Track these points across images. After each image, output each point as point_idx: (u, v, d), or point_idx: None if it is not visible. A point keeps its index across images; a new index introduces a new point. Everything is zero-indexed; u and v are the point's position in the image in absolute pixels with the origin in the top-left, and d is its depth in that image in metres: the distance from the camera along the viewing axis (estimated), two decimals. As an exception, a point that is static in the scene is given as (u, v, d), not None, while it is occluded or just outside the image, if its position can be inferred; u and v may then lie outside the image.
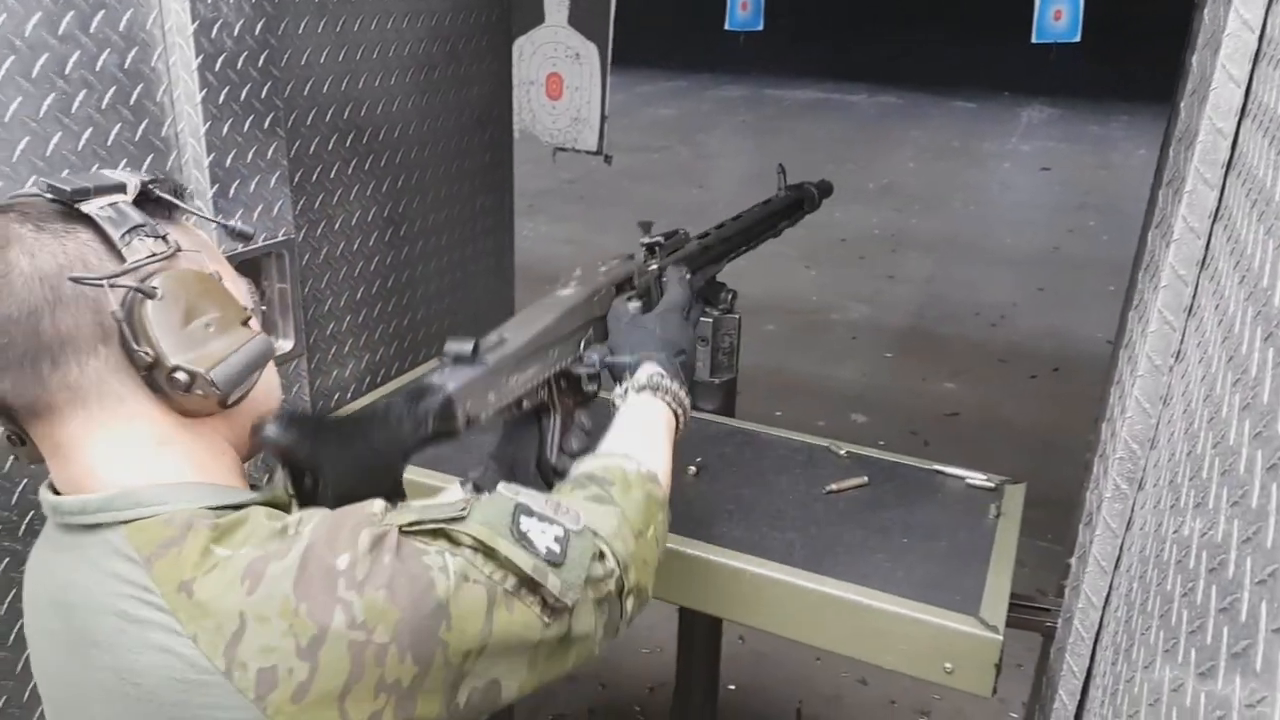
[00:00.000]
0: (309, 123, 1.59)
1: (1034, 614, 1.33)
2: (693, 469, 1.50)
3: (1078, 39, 2.90)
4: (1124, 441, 1.08)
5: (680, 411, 1.12)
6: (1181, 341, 1.02)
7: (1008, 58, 9.40)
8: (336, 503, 0.83)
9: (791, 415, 4.25)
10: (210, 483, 0.82)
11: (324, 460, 0.85)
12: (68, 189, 0.77)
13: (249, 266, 1.48)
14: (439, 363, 1.07)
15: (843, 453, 1.57)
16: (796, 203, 1.83)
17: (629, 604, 0.90)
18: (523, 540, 0.80)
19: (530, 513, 0.83)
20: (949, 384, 4.72)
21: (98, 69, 1.25)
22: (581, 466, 0.99)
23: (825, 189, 1.91)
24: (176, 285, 0.78)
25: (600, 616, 0.86)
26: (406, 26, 1.77)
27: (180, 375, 0.77)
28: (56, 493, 0.81)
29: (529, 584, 0.79)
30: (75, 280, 0.74)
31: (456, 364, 1.04)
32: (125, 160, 1.31)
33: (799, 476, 1.50)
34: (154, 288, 0.76)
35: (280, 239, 1.51)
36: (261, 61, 1.44)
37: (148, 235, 0.78)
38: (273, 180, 1.48)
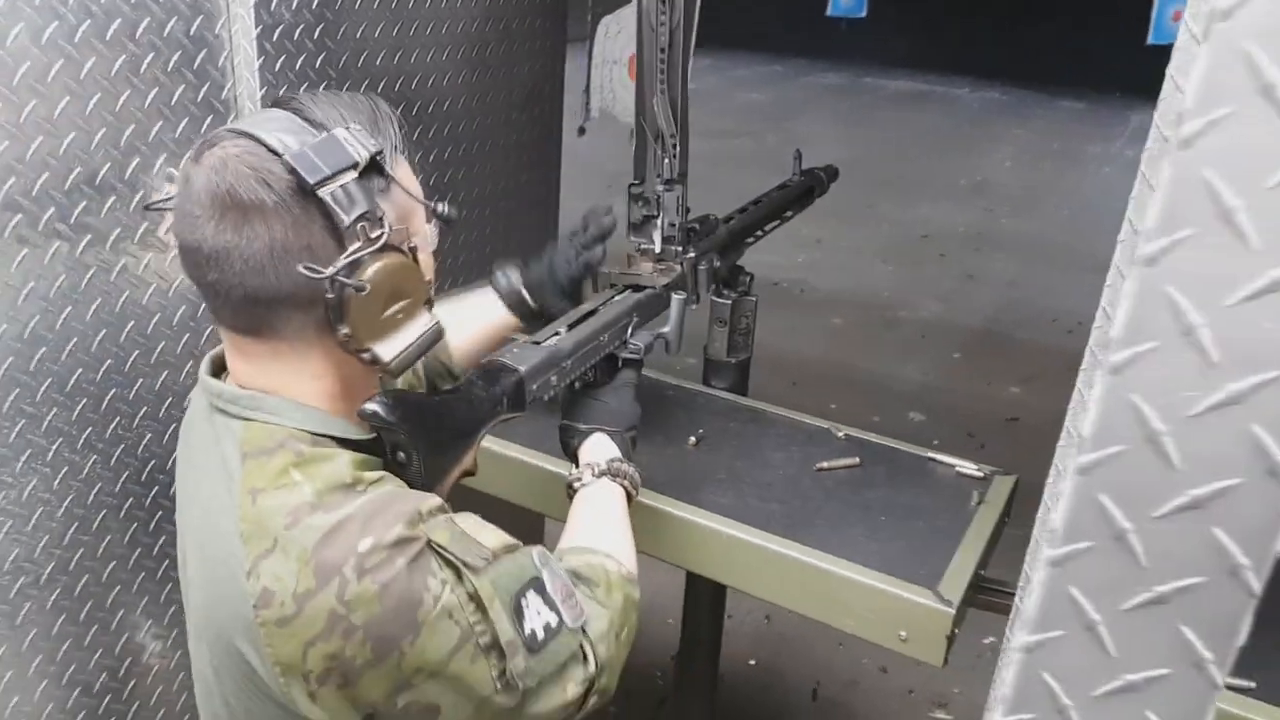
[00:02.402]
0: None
1: (1005, 598, 1.37)
2: (693, 439, 1.58)
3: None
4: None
5: (635, 491, 1.21)
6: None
7: (1121, 58, 9.10)
8: (424, 473, 0.95)
9: (847, 409, 4.27)
10: (330, 413, 0.94)
11: (417, 439, 0.95)
12: (311, 178, 0.82)
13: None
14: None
15: (841, 435, 1.63)
16: (809, 189, 1.88)
17: (591, 701, 0.98)
18: (516, 613, 0.90)
19: (541, 590, 0.93)
20: (1014, 389, 4.67)
21: (165, 34, 1.38)
22: (567, 559, 1.04)
23: (832, 174, 1.96)
24: (382, 277, 0.87)
25: (562, 709, 0.94)
26: (460, 4, 1.88)
27: (366, 355, 0.89)
28: (214, 374, 0.97)
29: (498, 650, 0.88)
30: (304, 272, 0.83)
31: (524, 347, 1.17)
32: (186, 119, 1.44)
33: (794, 453, 1.57)
34: (364, 283, 0.85)
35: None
36: (317, 34, 1.56)
37: (367, 221, 0.85)
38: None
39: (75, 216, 1.34)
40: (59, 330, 1.36)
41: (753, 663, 2.84)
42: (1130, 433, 0.51)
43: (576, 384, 1.26)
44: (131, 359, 1.46)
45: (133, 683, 1.60)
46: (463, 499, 1.07)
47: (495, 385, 1.10)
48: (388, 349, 0.90)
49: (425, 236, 0.97)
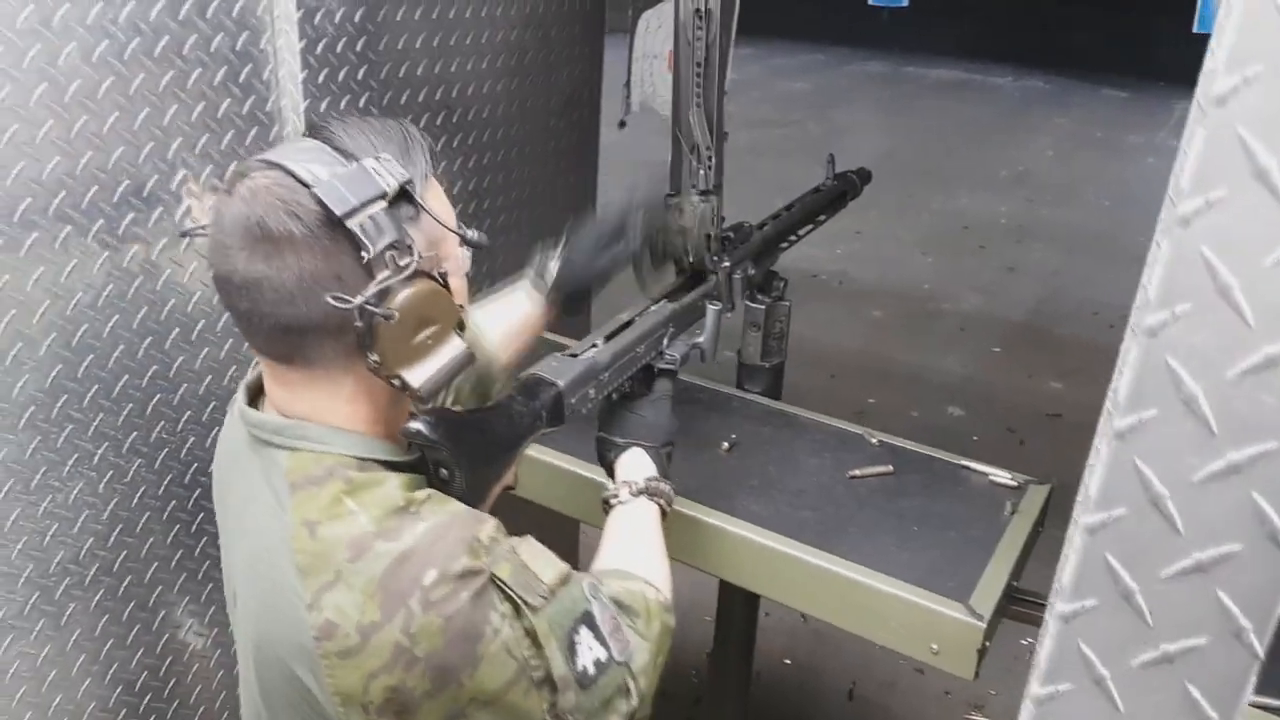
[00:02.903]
0: (402, 102, 1.73)
1: (1039, 610, 1.37)
2: (726, 444, 1.60)
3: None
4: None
5: (669, 507, 1.22)
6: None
7: (1166, 46, 8.92)
8: (466, 489, 0.97)
9: (885, 403, 4.26)
10: (370, 435, 0.95)
11: (460, 456, 0.97)
12: (340, 210, 0.83)
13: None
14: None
15: (875, 441, 1.63)
16: (842, 193, 1.88)
17: None
18: (570, 650, 0.91)
19: (592, 624, 0.94)
20: (1056, 384, 4.62)
21: (211, 50, 1.41)
22: (608, 584, 1.04)
23: (865, 177, 1.95)
24: (411, 304, 0.87)
25: None
26: (500, 13, 1.89)
27: (395, 381, 0.90)
28: (251, 401, 1.00)
29: (551, 685, 0.90)
30: (334, 303, 0.84)
31: (562, 360, 1.19)
32: (232, 132, 1.47)
33: (827, 460, 1.57)
34: (392, 312, 0.86)
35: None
36: (360, 46, 1.59)
37: (395, 250, 0.86)
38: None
39: (123, 228, 1.38)
40: (106, 338, 1.40)
41: (788, 661, 2.85)
42: (1135, 496, 0.52)
43: (613, 395, 1.28)
44: (176, 365, 1.50)
45: (173, 681, 1.65)
46: (501, 503, 1.10)
47: (534, 400, 1.13)
48: (417, 375, 0.90)
49: (457, 260, 0.98)
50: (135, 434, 1.48)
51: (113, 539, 1.49)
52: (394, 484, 0.92)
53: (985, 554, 1.35)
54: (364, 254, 0.85)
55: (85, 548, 1.46)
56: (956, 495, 1.50)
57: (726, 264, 1.53)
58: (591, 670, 0.92)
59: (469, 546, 0.88)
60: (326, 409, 0.94)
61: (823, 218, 1.85)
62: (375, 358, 0.88)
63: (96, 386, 1.41)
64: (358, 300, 0.85)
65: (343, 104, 1.59)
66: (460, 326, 0.95)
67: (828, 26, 14.08)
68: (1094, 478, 0.53)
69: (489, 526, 0.91)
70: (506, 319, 1.37)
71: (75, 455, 1.41)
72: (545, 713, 0.90)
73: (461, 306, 0.97)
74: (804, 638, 2.91)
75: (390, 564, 0.85)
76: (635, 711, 0.98)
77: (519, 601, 0.89)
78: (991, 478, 1.53)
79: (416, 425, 0.94)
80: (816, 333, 4.67)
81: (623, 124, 2.62)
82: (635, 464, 1.23)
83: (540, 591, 0.91)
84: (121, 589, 1.53)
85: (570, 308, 1.39)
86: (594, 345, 1.26)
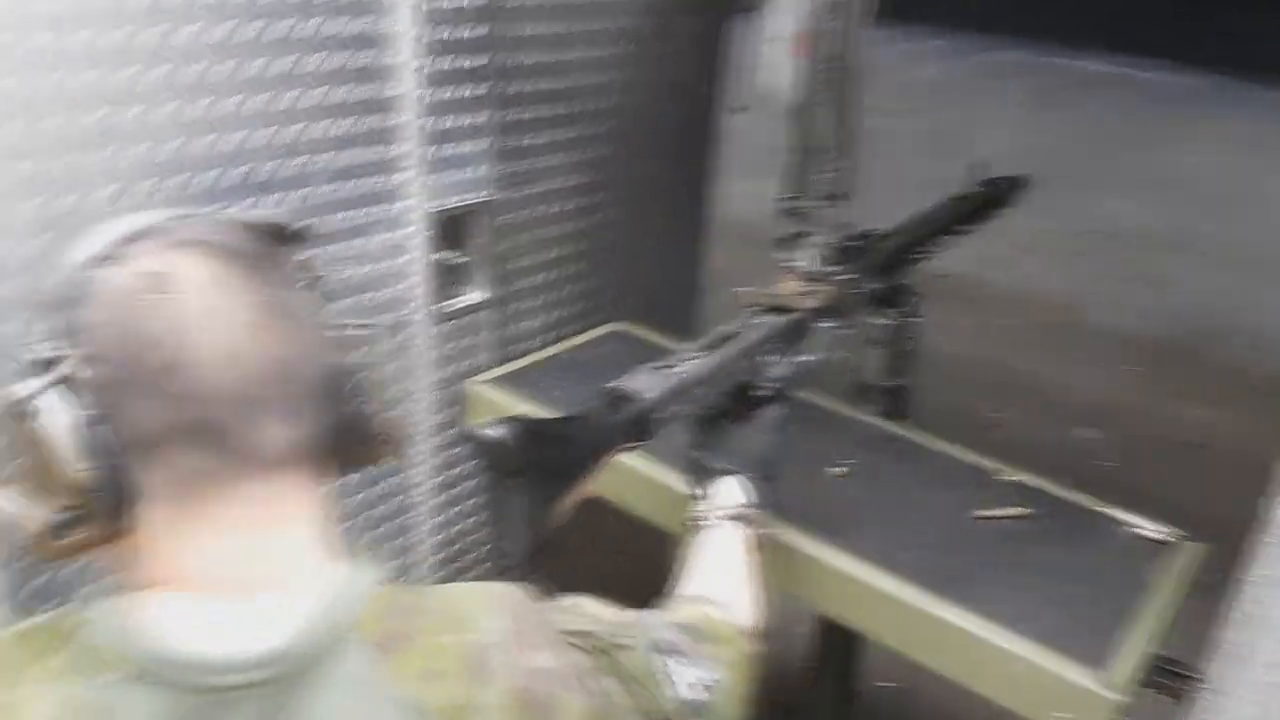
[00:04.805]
0: (518, 91, 1.69)
1: (1179, 681, 1.24)
2: (842, 469, 1.49)
3: None
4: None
5: (764, 541, 1.14)
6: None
7: (1348, 46, 8.25)
8: (535, 500, 0.92)
9: (1012, 420, 4.05)
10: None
11: (534, 467, 0.93)
12: None
13: (451, 223, 1.61)
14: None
15: (1005, 479, 1.50)
16: (988, 201, 1.73)
17: None
18: (667, 681, 0.84)
19: (676, 651, 0.87)
20: (1201, 411, 4.30)
21: (332, 35, 1.39)
22: (684, 610, 0.99)
23: (1019, 185, 1.80)
24: None
25: None
26: (620, 1, 1.83)
27: None
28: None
29: None
30: None
31: (653, 373, 1.12)
32: (352, 119, 1.45)
33: (952, 496, 1.46)
34: None
35: (481, 198, 1.63)
36: (480, 34, 1.55)
37: None
38: (480, 145, 1.59)
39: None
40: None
41: (889, 685, 2.73)
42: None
43: (709, 411, 1.20)
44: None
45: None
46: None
47: (618, 413, 1.06)
48: None
49: None
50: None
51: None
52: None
53: (1126, 617, 1.22)
54: None
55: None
56: (1096, 547, 1.36)
57: (846, 276, 1.42)
58: (696, 696, 0.86)
59: (534, 613, 0.80)
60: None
61: (964, 229, 1.71)
62: None
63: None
64: None
65: (460, 92, 1.55)
66: None
67: (960, 10, 13.47)
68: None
69: (514, 589, 0.83)
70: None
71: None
72: None
73: None
74: (909, 660, 2.78)
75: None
76: None
77: (606, 648, 0.82)
78: (1138, 530, 1.39)
79: (490, 433, 0.88)
80: (940, 338, 4.46)
81: (743, 109, 2.52)
82: (729, 490, 1.15)
83: (619, 636, 0.84)
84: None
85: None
86: (690, 358, 1.18)
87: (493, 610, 0.77)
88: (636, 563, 2.27)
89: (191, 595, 0.67)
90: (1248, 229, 6.82)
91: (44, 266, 1.01)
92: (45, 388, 0.63)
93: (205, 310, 0.64)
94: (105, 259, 0.65)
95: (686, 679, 0.86)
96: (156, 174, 1.26)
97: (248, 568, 0.68)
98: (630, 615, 0.89)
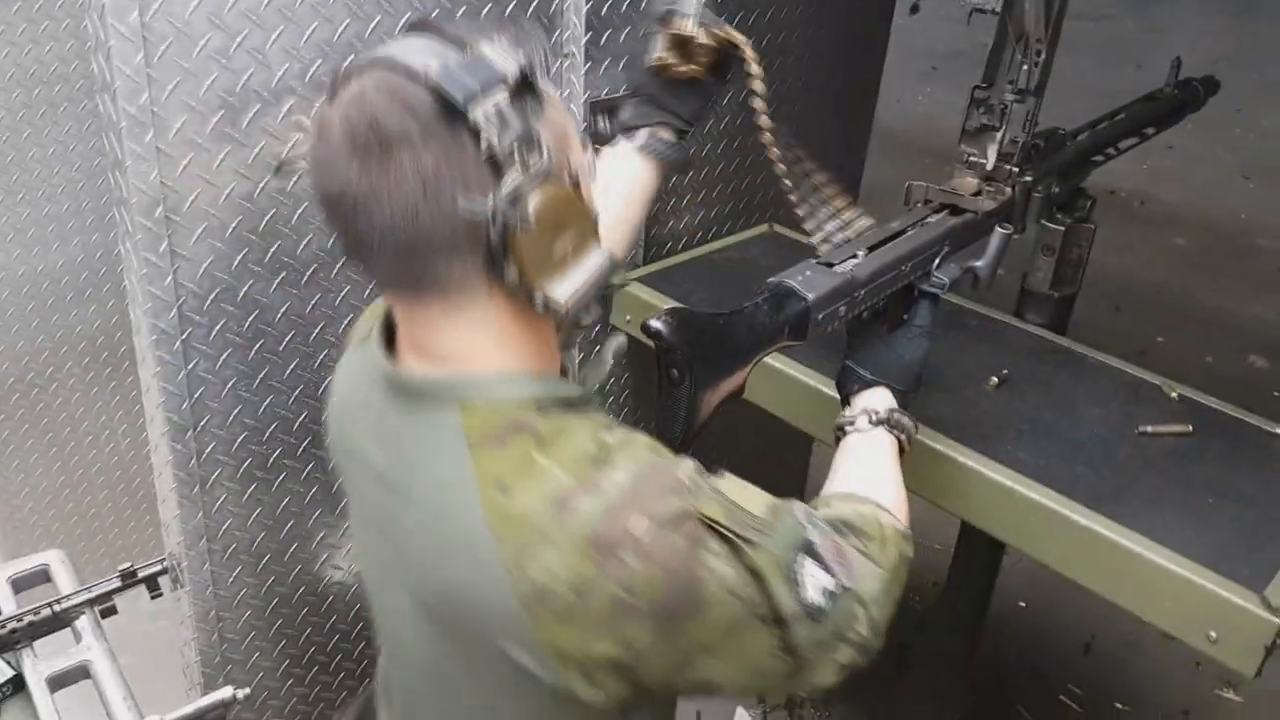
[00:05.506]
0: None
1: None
2: (995, 379, 1.46)
3: None
4: None
5: (908, 442, 1.12)
6: None
7: None
8: (693, 394, 0.93)
9: (1175, 345, 3.85)
10: (538, 373, 0.90)
11: (694, 361, 0.94)
12: (460, 96, 0.76)
13: (608, 111, 1.61)
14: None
15: (1174, 395, 1.44)
16: (1182, 104, 1.62)
17: (860, 661, 0.91)
18: (793, 582, 0.84)
19: (813, 552, 0.87)
20: (1384, 344, 4.00)
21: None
22: (836, 506, 0.99)
23: (1211, 87, 1.67)
24: (546, 211, 0.79)
25: (838, 674, 0.89)
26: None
27: (539, 297, 0.82)
28: (388, 348, 0.92)
29: (781, 623, 0.84)
30: (463, 207, 0.77)
31: (816, 270, 1.11)
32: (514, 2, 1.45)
33: (1114, 410, 1.41)
34: (528, 220, 0.78)
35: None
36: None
37: (524, 145, 0.78)
38: (640, 33, 1.57)
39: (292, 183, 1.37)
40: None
41: (1024, 605, 2.70)
42: None
43: (864, 314, 1.19)
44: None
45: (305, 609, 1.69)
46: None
47: (780, 312, 1.06)
48: (561, 290, 0.82)
49: (585, 166, 0.89)
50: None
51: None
52: (584, 432, 0.86)
53: (1290, 540, 1.17)
54: (491, 149, 0.77)
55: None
56: (1266, 468, 1.31)
57: (1028, 178, 1.36)
58: (820, 601, 0.86)
59: (674, 490, 0.82)
60: (476, 349, 0.87)
61: (1151, 131, 1.61)
62: (513, 273, 0.80)
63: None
64: (490, 203, 0.77)
65: (622, 37, 1.53)
66: (597, 237, 0.87)
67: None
68: None
69: (688, 467, 0.85)
70: (615, 189, 1.21)
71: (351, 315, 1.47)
72: (775, 649, 0.85)
73: (596, 215, 0.87)
74: (1044, 581, 2.74)
75: (599, 517, 0.80)
76: (868, 641, 0.91)
77: (735, 539, 0.83)
78: (1309, 454, 1.32)
79: (657, 324, 0.90)
80: (1107, 257, 4.22)
81: (915, 9, 2.40)
82: (878, 397, 1.14)
83: (755, 526, 0.84)
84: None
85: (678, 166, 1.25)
86: (855, 256, 1.16)
87: (619, 466, 0.82)
88: (783, 468, 2.28)
89: None
90: None
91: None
92: None
93: None
94: None
95: (820, 583, 0.86)
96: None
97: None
98: (778, 507, 0.89)
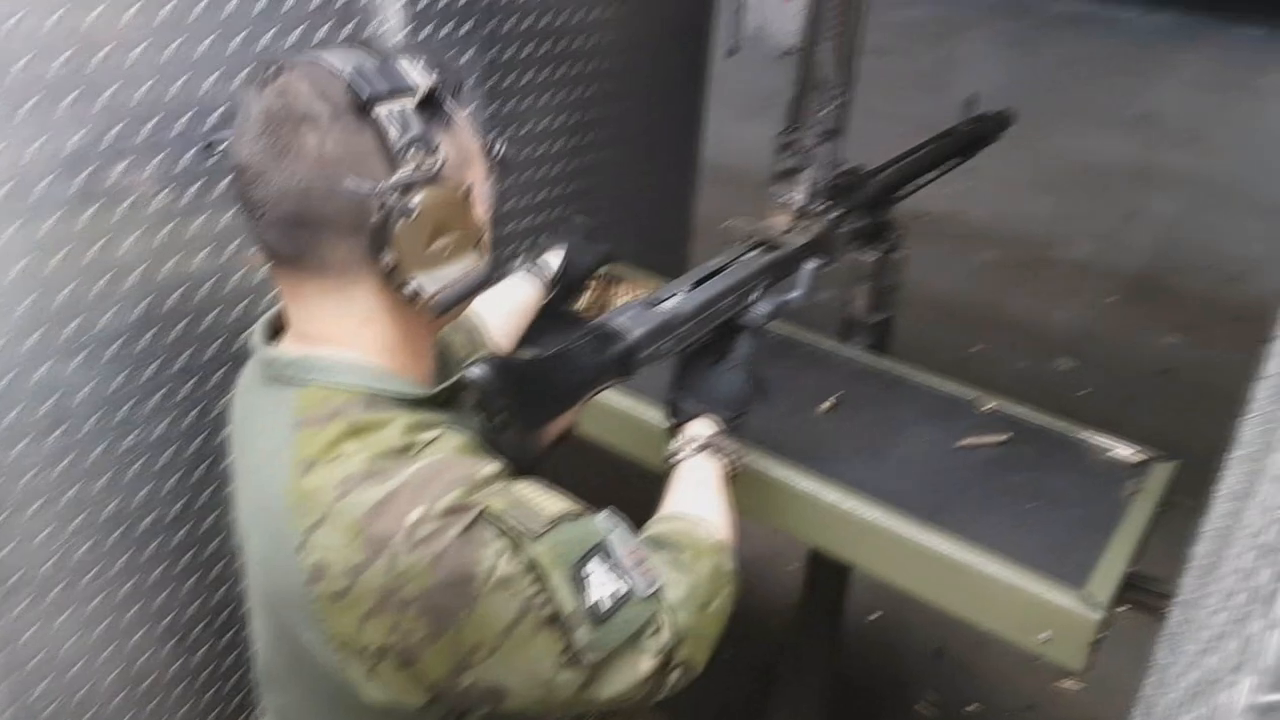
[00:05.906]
0: (506, 29, 1.67)
1: (1154, 598, 1.28)
2: (829, 403, 1.52)
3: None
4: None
5: (736, 467, 1.15)
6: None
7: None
8: (522, 436, 0.95)
9: (991, 351, 4.10)
10: (386, 367, 0.92)
11: (518, 404, 0.94)
12: (366, 93, 0.83)
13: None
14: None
15: (987, 407, 1.53)
16: (978, 138, 1.74)
17: (673, 676, 0.92)
18: (577, 582, 0.84)
19: (606, 557, 0.87)
20: (1170, 338, 4.37)
21: (311, -30, 1.36)
22: (654, 528, 1.01)
23: (1004, 122, 1.80)
24: (431, 206, 0.85)
25: (638, 685, 0.89)
26: (611, -59, 1.80)
27: (409, 287, 0.87)
28: (271, 337, 0.97)
29: (560, 623, 0.84)
30: (351, 188, 0.83)
31: (639, 310, 1.13)
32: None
33: (936, 426, 1.48)
34: (411, 209, 0.83)
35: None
36: (460, -31, 1.52)
37: (421, 148, 0.84)
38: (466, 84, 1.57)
39: (211, 161, 1.34)
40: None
41: (875, 617, 2.79)
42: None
43: (690, 348, 1.21)
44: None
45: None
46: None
47: (603, 352, 1.07)
48: (431, 282, 0.87)
49: (484, 191, 0.94)
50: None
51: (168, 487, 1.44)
52: (398, 426, 0.87)
53: (1103, 536, 1.26)
54: (389, 145, 0.83)
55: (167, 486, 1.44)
56: (1075, 469, 1.40)
57: (835, 214, 1.43)
58: (607, 604, 0.85)
59: (463, 485, 0.83)
60: (339, 333, 0.91)
61: (950, 165, 1.72)
62: (390, 258, 0.84)
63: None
64: (378, 186, 0.82)
65: (445, 30, 1.53)
66: (480, 249, 0.91)
67: (946, -49, 13.32)
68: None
69: (488, 468, 0.86)
70: (505, 302, 1.38)
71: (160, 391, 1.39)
72: (559, 654, 0.84)
73: (484, 234, 0.93)
74: (893, 593, 2.83)
75: (376, 504, 0.81)
76: (671, 649, 0.91)
77: (514, 533, 0.83)
78: (1112, 451, 1.43)
79: (477, 371, 0.90)
80: (922, 274, 4.46)
81: (732, 51, 2.50)
82: (703, 426, 1.17)
83: (540, 521, 0.85)
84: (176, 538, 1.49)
85: (568, 296, 1.46)
86: (676, 294, 1.18)
87: (419, 460, 0.85)
88: (624, 506, 2.30)
89: None
90: (1213, 162, 6.86)
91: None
92: None
93: None
94: None
95: (608, 587, 0.86)
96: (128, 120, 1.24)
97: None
98: (576, 512, 0.90)
